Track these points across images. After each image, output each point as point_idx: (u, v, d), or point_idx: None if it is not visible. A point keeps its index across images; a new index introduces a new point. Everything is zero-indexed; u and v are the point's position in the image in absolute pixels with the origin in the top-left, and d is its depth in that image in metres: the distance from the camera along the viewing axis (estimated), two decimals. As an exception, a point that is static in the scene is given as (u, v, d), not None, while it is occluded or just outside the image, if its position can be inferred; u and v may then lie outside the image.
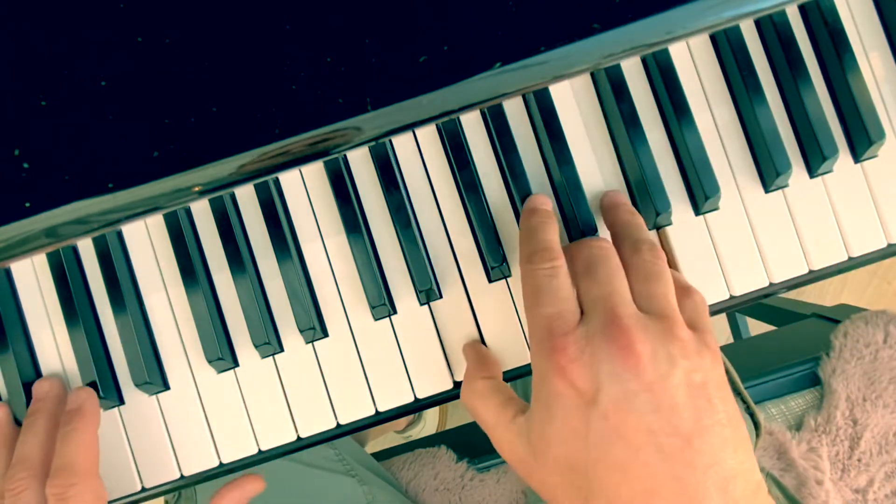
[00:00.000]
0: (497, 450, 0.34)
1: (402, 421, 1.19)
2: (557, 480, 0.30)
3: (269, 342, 0.39)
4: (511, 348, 0.40)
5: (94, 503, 0.35)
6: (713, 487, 0.27)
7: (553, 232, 0.36)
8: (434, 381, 0.40)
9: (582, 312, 0.32)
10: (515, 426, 0.33)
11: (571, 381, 0.29)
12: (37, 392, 0.39)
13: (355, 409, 0.40)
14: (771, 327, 0.82)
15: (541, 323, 0.32)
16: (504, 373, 0.40)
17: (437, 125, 0.40)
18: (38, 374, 0.40)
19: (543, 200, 0.38)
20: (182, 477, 0.40)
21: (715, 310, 0.40)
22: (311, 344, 0.40)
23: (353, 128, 0.33)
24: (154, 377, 0.39)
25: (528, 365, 0.40)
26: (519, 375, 0.40)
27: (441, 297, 0.40)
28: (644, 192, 0.39)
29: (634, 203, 0.40)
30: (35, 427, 0.37)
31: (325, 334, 0.40)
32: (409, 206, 0.40)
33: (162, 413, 0.40)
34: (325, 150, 0.34)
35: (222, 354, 0.39)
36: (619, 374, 0.29)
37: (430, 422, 1.21)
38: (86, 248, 0.40)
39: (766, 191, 0.40)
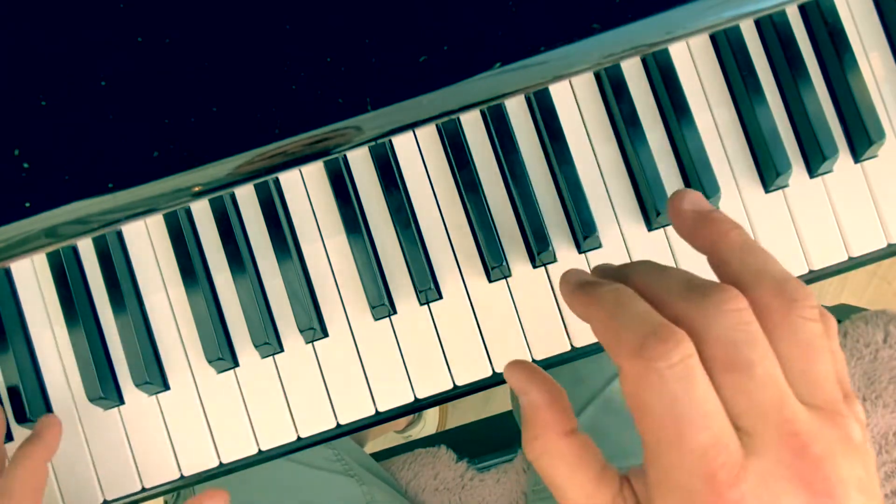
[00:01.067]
0: None
1: (402, 421, 1.19)
2: None
3: (269, 342, 0.39)
4: (511, 350, 0.40)
5: None
6: None
7: (646, 303, 0.24)
8: (434, 381, 0.40)
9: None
10: None
11: None
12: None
13: (355, 409, 0.40)
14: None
15: (689, 462, 0.20)
16: (502, 374, 0.40)
17: (437, 125, 0.40)
18: (38, 374, 0.40)
19: (584, 272, 0.27)
20: (182, 477, 0.40)
21: (715, 310, 0.40)
22: (311, 344, 0.40)
23: (353, 128, 0.33)
24: (154, 377, 0.39)
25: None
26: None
27: (441, 297, 0.40)
28: (644, 193, 0.39)
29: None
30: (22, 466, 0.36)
31: (325, 334, 0.40)
32: (408, 206, 0.40)
33: (162, 413, 0.40)
34: (325, 150, 0.34)
35: (222, 354, 0.39)
36: None
37: (430, 422, 1.21)
38: (86, 248, 0.40)
39: (767, 191, 0.40)
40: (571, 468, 0.24)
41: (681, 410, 0.21)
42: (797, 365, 0.22)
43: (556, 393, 0.26)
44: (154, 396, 0.40)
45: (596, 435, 0.53)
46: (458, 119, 0.40)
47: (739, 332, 0.21)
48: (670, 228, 0.40)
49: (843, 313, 0.64)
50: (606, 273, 0.27)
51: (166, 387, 0.40)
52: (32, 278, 0.41)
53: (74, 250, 0.40)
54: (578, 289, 0.26)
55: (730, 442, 0.21)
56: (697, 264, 0.40)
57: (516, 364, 0.27)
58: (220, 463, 0.40)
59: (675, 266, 0.25)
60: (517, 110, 0.40)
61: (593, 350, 0.40)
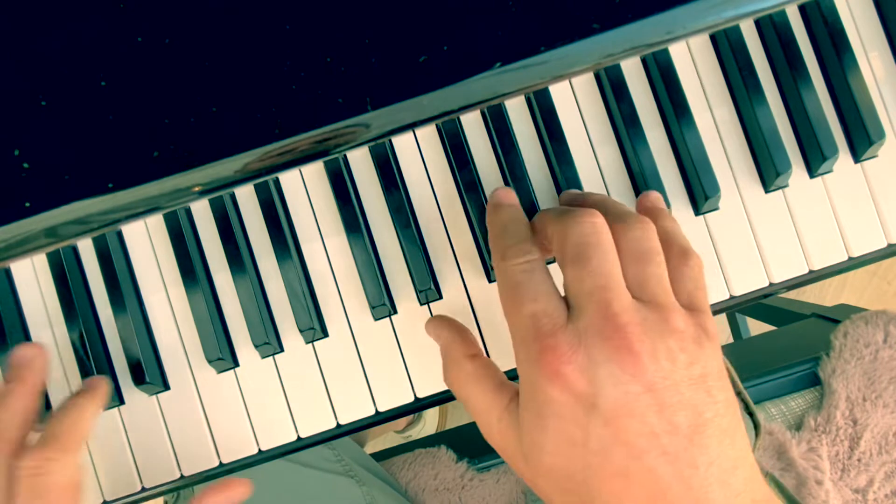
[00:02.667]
0: (486, 437, 0.32)
1: (402, 421, 1.19)
2: (552, 488, 0.29)
3: (269, 342, 0.39)
4: (513, 349, 0.40)
5: (69, 487, 0.33)
6: (716, 483, 0.27)
7: (524, 225, 0.33)
8: (434, 381, 0.40)
9: (569, 305, 0.30)
10: (508, 415, 0.30)
11: (566, 385, 0.27)
12: (21, 357, 0.36)
13: (355, 409, 0.40)
14: (771, 327, 0.82)
15: (524, 323, 0.29)
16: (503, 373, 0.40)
17: (437, 125, 0.40)
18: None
19: (508, 194, 0.36)
20: (182, 477, 0.40)
21: (715, 310, 0.40)
22: (311, 344, 0.40)
23: (352, 128, 0.33)
24: (154, 377, 0.39)
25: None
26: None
27: (441, 297, 0.40)
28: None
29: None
30: (11, 398, 0.35)
31: (325, 334, 0.40)
32: (408, 206, 0.40)
33: (162, 413, 0.40)
34: (325, 150, 0.34)
35: (222, 354, 0.39)
36: (618, 375, 0.27)
37: (429, 422, 1.21)
38: (86, 248, 0.40)
39: (766, 191, 0.40)
40: (476, 381, 0.32)
41: (520, 290, 0.30)
42: (632, 269, 0.29)
43: (461, 329, 0.35)
44: (154, 396, 0.40)
45: None
46: (458, 119, 0.40)
47: (587, 237, 0.29)
48: (670, 228, 0.40)
49: (843, 313, 0.64)
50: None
51: (166, 387, 0.40)
52: (32, 278, 0.41)
53: (74, 250, 0.40)
54: (490, 207, 0.35)
55: (555, 311, 0.29)
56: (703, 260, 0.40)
57: (431, 319, 0.37)
58: (220, 463, 0.40)
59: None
60: (517, 110, 0.40)
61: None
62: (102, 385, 0.38)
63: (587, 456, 0.27)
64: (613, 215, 0.31)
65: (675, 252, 0.31)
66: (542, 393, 0.28)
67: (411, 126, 0.34)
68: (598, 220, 0.30)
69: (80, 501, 0.34)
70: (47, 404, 0.40)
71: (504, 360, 0.40)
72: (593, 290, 0.28)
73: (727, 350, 0.72)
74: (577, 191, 0.37)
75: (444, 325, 0.36)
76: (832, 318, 0.68)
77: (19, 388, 0.35)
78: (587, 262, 0.29)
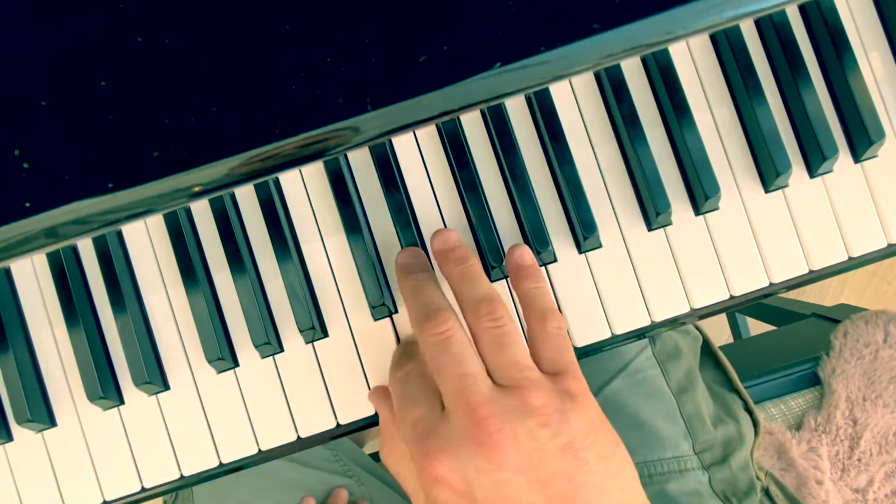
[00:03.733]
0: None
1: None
2: None
3: (269, 342, 0.39)
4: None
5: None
6: None
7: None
8: (434, 381, 0.40)
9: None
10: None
11: (446, 485, 0.30)
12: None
13: (355, 409, 0.40)
14: (771, 327, 0.82)
15: (408, 431, 0.32)
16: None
17: (437, 125, 0.40)
18: (38, 374, 0.40)
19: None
20: (182, 477, 0.40)
21: (715, 310, 0.40)
22: (311, 344, 0.40)
23: (353, 128, 0.33)
24: (154, 377, 0.39)
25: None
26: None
27: (441, 297, 0.40)
28: (644, 193, 0.39)
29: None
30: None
31: (325, 334, 0.40)
32: (408, 206, 0.40)
33: (162, 413, 0.40)
34: (325, 150, 0.34)
35: (222, 354, 0.39)
36: (485, 467, 0.29)
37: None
38: (86, 248, 0.40)
39: (766, 191, 0.40)
40: (409, 464, 0.34)
41: (403, 398, 0.34)
42: (489, 358, 0.32)
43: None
44: (154, 396, 0.40)
45: (615, 406, 0.54)
46: (458, 119, 0.40)
47: (435, 345, 0.32)
48: (670, 229, 0.40)
49: (843, 313, 0.64)
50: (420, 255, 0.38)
51: (166, 387, 0.40)
52: (32, 278, 0.41)
53: (74, 250, 0.40)
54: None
55: (429, 413, 0.32)
56: (698, 264, 0.40)
57: (371, 391, 0.39)
58: (220, 463, 0.40)
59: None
60: (517, 110, 0.40)
61: (594, 350, 0.40)
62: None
63: None
64: (466, 302, 0.34)
65: (535, 317, 0.34)
66: (430, 493, 0.31)
67: (411, 126, 0.34)
68: (445, 329, 0.32)
69: None
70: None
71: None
72: (453, 393, 0.31)
73: (727, 350, 0.71)
74: (442, 247, 0.37)
75: (382, 401, 0.38)
76: (832, 318, 0.68)
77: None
78: (442, 369, 0.31)
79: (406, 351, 0.36)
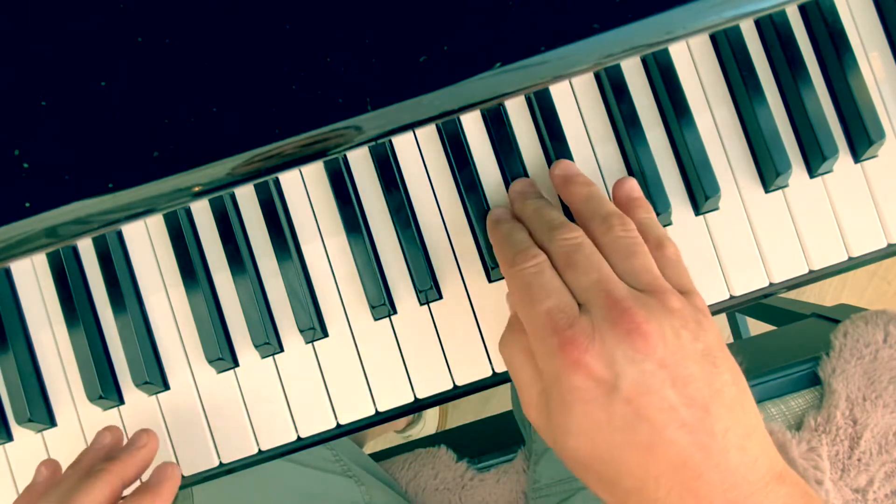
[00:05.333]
0: (524, 410, 0.34)
1: (402, 421, 1.19)
2: (581, 468, 0.31)
3: (269, 342, 0.39)
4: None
5: None
6: (734, 449, 0.28)
7: (525, 233, 0.35)
8: (434, 381, 0.40)
9: (579, 305, 0.32)
10: (543, 401, 0.32)
11: (588, 372, 0.29)
12: (101, 442, 0.37)
13: (355, 409, 0.40)
14: (771, 327, 0.82)
15: (540, 321, 0.31)
16: (504, 373, 0.40)
17: (437, 125, 0.40)
18: (38, 374, 0.40)
19: (503, 211, 0.38)
20: (182, 477, 0.40)
21: (715, 310, 0.40)
22: (311, 344, 0.40)
23: (353, 128, 0.33)
24: (154, 377, 0.39)
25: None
26: (519, 375, 0.40)
27: (441, 297, 0.40)
28: (644, 192, 0.39)
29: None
30: (98, 485, 0.34)
31: (325, 334, 0.40)
32: (408, 206, 0.40)
33: (161, 413, 0.40)
34: (325, 150, 0.34)
35: (222, 354, 0.39)
36: (632, 356, 0.28)
37: (429, 422, 1.21)
38: (86, 248, 0.40)
39: (766, 191, 0.40)
40: (528, 354, 0.33)
41: (532, 290, 0.32)
42: (622, 265, 0.32)
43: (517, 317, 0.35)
44: (154, 396, 0.40)
45: None
46: (458, 119, 0.40)
47: (568, 246, 0.32)
48: (670, 228, 0.40)
49: (843, 313, 0.64)
50: (514, 205, 0.38)
51: (166, 387, 0.40)
52: (32, 278, 0.41)
53: (74, 250, 0.40)
54: (490, 225, 0.37)
55: (567, 306, 0.31)
56: (697, 264, 0.40)
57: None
58: (220, 463, 0.40)
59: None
60: (517, 110, 0.40)
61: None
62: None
63: (612, 435, 0.29)
64: (596, 217, 0.34)
65: (652, 243, 0.34)
66: (566, 381, 0.30)
67: (411, 126, 0.34)
68: (571, 235, 0.33)
69: None
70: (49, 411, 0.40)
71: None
72: (591, 284, 0.31)
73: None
74: (565, 173, 0.37)
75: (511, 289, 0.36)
76: (832, 317, 0.68)
77: (117, 474, 0.35)
78: (575, 264, 0.32)
79: (529, 244, 0.34)
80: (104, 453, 0.37)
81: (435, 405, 0.41)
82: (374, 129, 0.34)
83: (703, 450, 0.28)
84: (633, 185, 0.37)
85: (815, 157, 0.39)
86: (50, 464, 0.37)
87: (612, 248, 0.32)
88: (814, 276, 0.40)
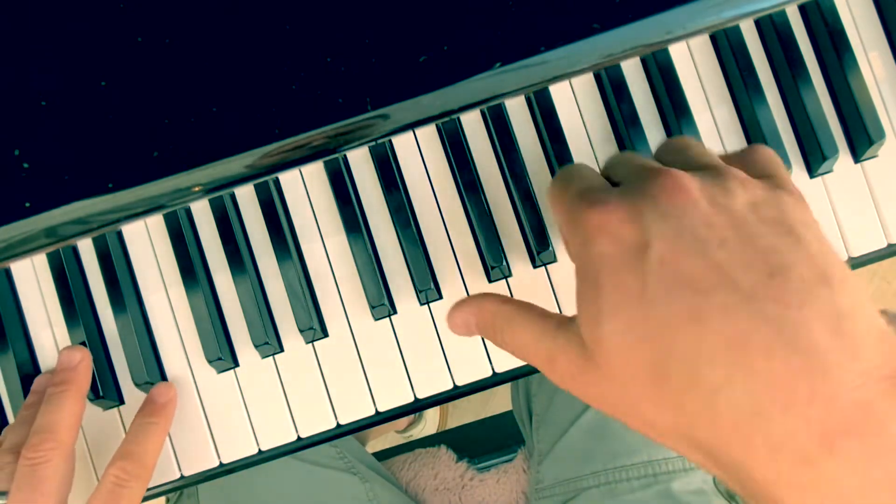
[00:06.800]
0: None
1: (403, 421, 1.19)
2: (619, 368, 0.24)
3: (269, 342, 0.39)
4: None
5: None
6: (821, 326, 0.21)
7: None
8: (434, 381, 0.40)
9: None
10: (563, 334, 0.27)
11: (613, 235, 0.24)
12: (68, 360, 0.38)
13: (355, 409, 0.40)
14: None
15: (572, 200, 0.26)
16: (504, 373, 0.40)
17: (437, 125, 0.40)
18: (38, 374, 0.40)
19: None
20: (182, 477, 0.40)
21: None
22: (311, 344, 0.40)
23: (352, 128, 0.33)
24: (154, 377, 0.39)
25: (529, 365, 0.40)
26: (519, 375, 0.40)
27: (441, 297, 0.40)
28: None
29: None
30: (62, 400, 0.36)
31: (325, 334, 0.40)
32: (409, 206, 0.40)
33: (162, 413, 0.40)
34: (325, 150, 0.34)
35: (222, 354, 0.39)
36: (667, 211, 0.24)
37: (430, 422, 1.21)
38: (86, 248, 0.40)
39: (766, 191, 0.40)
40: (520, 315, 0.29)
41: (570, 175, 0.28)
42: (674, 157, 0.28)
43: (485, 296, 0.31)
44: (154, 396, 0.40)
45: (605, 433, 0.53)
46: (458, 119, 0.40)
47: (624, 157, 0.29)
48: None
49: (843, 313, 0.64)
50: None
51: (166, 387, 0.40)
52: (32, 278, 0.41)
53: (74, 250, 0.40)
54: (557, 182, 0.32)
55: (600, 186, 0.27)
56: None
57: (453, 309, 0.32)
58: (221, 463, 0.40)
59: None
60: (517, 110, 0.40)
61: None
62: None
63: (650, 308, 0.23)
64: (672, 152, 0.29)
65: (744, 149, 0.29)
66: (592, 253, 0.25)
67: (411, 126, 0.34)
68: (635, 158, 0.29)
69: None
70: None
71: (506, 360, 0.40)
72: (639, 166, 0.27)
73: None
74: (680, 142, 0.31)
75: (470, 304, 0.32)
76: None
77: (70, 390, 0.36)
78: (628, 159, 0.28)
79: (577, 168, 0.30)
80: (50, 379, 0.38)
81: (435, 405, 0.41)
82: (373, 128, 0.34)
83: (769, 322, 0.21)
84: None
85: (815, 157, 0.39)
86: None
87: (666, 147, 0.29)
88: (814, 276, 0.40)
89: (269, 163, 0.34)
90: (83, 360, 0.38)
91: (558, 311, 0.40)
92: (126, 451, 0.36)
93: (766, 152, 0.28)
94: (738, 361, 0.21)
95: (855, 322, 0.21)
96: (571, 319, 0.27)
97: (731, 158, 0.28)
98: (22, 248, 0.34)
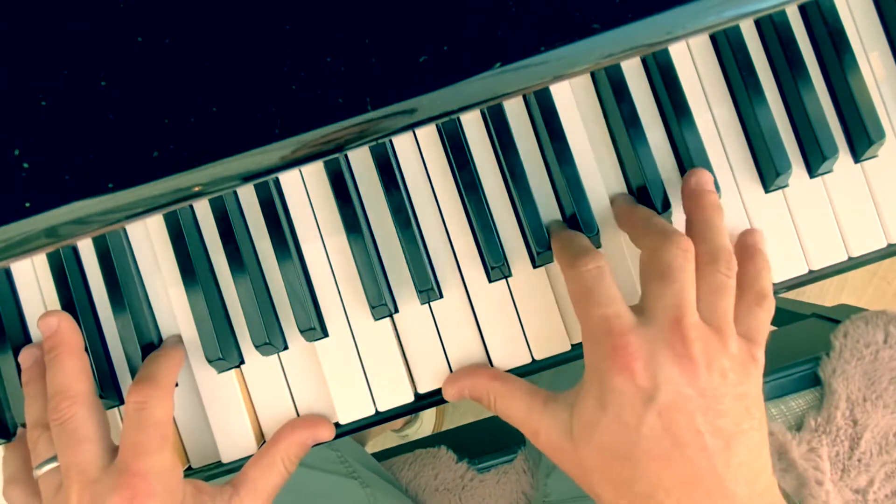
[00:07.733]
0: (530, 439, 0.36)
1: (400, 420, 1.19)
2: (597, 464, 0.33)
3: (270, 342, 0.39)
4: (512, 348, 0.40)
5: (166, 421, 0.36)
6: (743, 482, 0.31)
7: (586, 238, 0.38)
8: (434, 381, 0.40)
9: (638, 310, 0.34)
10: (549, 412, 0.35)
11: (632, 377, 0.32)
12: (48, 328, 0.38)
13: (355, 409, 0.40)
14: (771, 327, 0.82)
15: (598, 324, 0.33)
16: (506, 372, 0.40)
17: (437, 125, 0.40)
18: (38, 375, 0.40)
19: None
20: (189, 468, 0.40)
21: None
22: (310, 343, 0.40)
23: (352, 128, 0.33)
24: (154, 377, 0.39)
25: (528, 365, 0.40)
26: (520, 375, 0.40)
27: (441, 297, 0.40)
28: (644, 193, 0.39)
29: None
30: (59, 360, 0.37)
31: (325, 334, 0.40)
32: (409, 206, 0.40)
33: (162, 413, 0.40)
34: (325, 150, 0.34)
35: (222, 355, 0.39)
36: (676, 377, 0.31)
37: (426, 422, 1.21)
38: (86, 248, 0.40)
39: (766, 191, 0.40)
40: (510, 394, 0.37)
41: (592, 294, 0.34)
42: (706, 297, 0.34)
43: (477, 372, 0.39)
44: (154, 396, 0.40)
45: None
46: (458, 119, 0.40)
47: (678, 262, 0.34)
48: (670, 228, 0.40)
49: (843, 313, 0.64)
50: (621, 209, 0.40)
51: (166, 387, 0.40)
52: (32, 278, 0.41)
53: (74, 250, 0.40)
54: (555, 227, 0.39)
55: (625, 315, 0.33)
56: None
57: (449, 382, 0.39)
58: (221, 463, 0.40)
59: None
60: (517, 110, 0.40)
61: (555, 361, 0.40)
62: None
63: (638, 438, 0.32)
64: (707, 247, 0.35)
65: (755, 294, 0.36)
66: (609, 381, 0.32)
67: (411, 126, 0.34)
68: (690, 249, 0.34)
69: (171, 437, 0.36)
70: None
71: (506, 359, 0.40)
72: (670, 306, 0.33)
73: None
74: (699, 185, 0.38)
75: (467, 377, 0.39)
76: (832, 318, 0.68)
77: (63, 351, 0.37)
78: (672, 282, 0.33)
79: (590, 246, 0.36)
80: (40, 349, 0.39)
81: (435, 405, 0.41)
82: (373, 129, 0.34)
83: (716, 475, 0.31)
84: (759, 236, 0.39)
85: (815, 157, 0.39)
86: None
87: (707, 282, 0.34)
88: (814, 276, 0.40)
89: (269, 163, 0.34)
90: (62, 321, 0.38)
91: (558, 312, 0.40)
92: (138, 378, 0.36)
93: (763, 319, 0.36)
94: (687, 496, 0.31)
95: (762, 479, 0.33)
96: (555, 398, 0.35)
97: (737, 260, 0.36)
98: (22, 248, 0.34)
